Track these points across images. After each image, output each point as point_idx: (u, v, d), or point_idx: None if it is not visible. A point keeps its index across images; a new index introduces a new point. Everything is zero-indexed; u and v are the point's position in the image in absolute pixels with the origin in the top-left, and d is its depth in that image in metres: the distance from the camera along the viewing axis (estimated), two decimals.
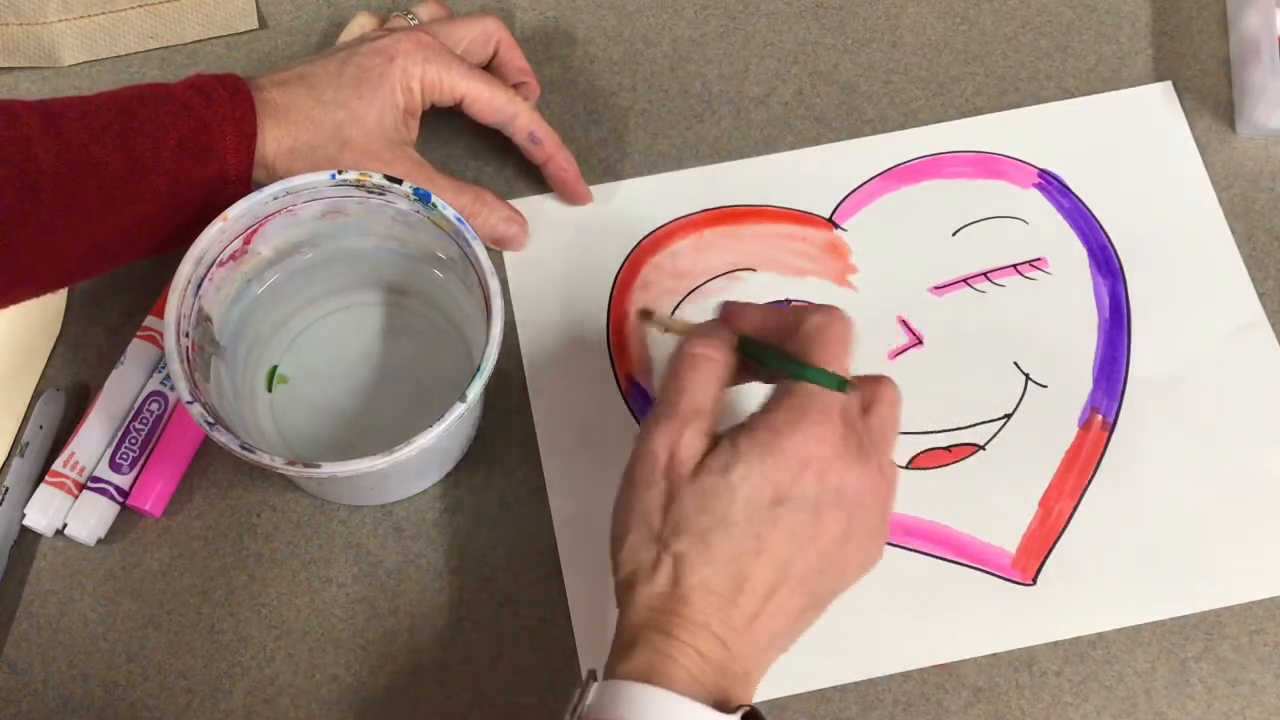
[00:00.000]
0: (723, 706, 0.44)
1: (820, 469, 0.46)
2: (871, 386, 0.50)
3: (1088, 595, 0.58)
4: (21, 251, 0.53)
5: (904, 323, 0.63)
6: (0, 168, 0.51)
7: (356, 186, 0.56)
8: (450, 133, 0.67)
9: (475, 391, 0.52)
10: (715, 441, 0.47)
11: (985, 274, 0.64)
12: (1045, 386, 0.62)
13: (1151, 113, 0.68)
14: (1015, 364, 0.63)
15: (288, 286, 0.60)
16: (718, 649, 0.45)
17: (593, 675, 0.46)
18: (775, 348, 0.49)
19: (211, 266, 0.55)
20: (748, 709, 0.45)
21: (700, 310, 0.63)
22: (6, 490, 0.59)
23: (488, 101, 0.62)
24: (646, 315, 0.59)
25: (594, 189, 0.66)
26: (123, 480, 0.59)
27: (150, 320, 0.62)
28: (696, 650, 0.45)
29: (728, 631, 0.45)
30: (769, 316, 0.51)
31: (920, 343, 0.63)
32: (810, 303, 0.49)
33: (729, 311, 0.52)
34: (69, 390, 0.62)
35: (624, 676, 0.45)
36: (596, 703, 0.45)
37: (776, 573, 0.46)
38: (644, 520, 0.47)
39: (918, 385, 0.62)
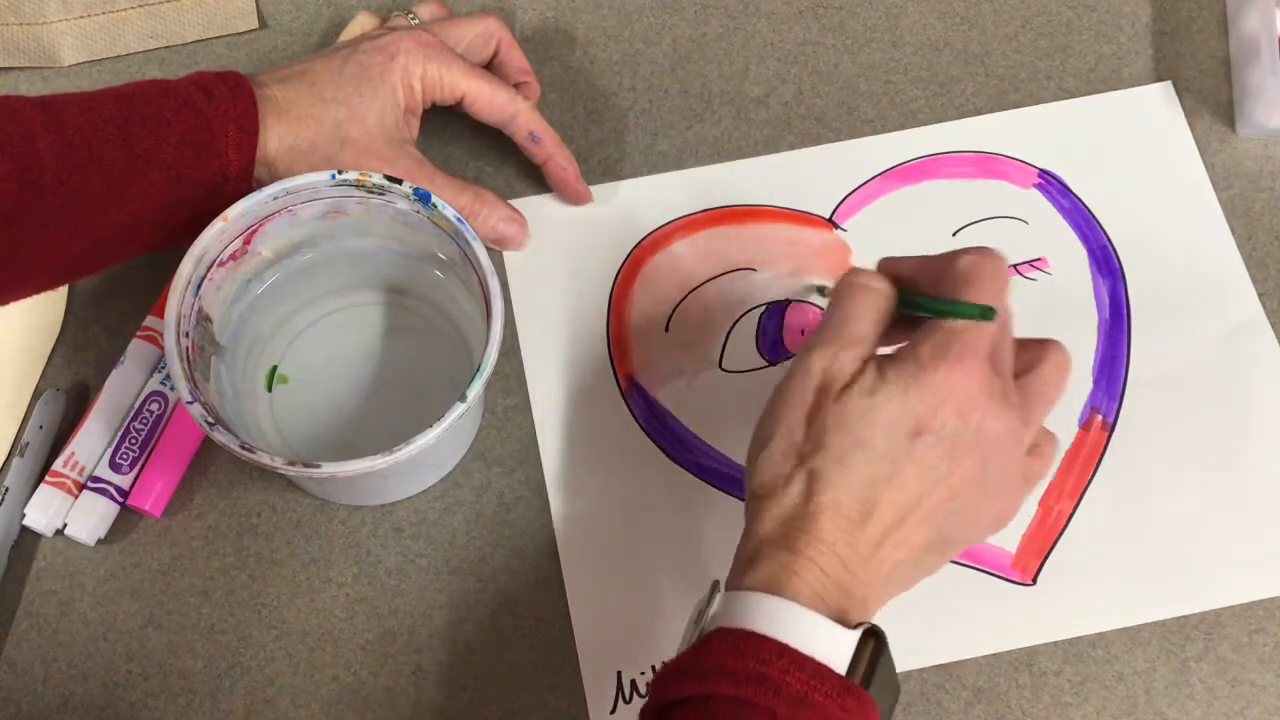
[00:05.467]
0: (843, 625, 0.44)
1: (961, 406, 0.46)
2: (1038, 349, 0.50)
3: (1088, 595, 0.58)
4: (24, 247, 0.53)
5: None
6: (3, 163, 0.51)
7: (356, 186, 0.56)
8: (450, 132, 0.67)
9: (475, 391, 0.52)
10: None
11: None
12: None
13: (1151, 113, 0.68)
14: None
15: (288, 286, 0.60)
16: (840, 570, 0.45)
17: (716, 586, 0.47)
18: (925, 292, 0.49)
19: (211, 266, 0.55)
20: (869, 625, 0.45)
21: (700, 309, 0.64)
22: (6, 490, 0.59)
23: (488, 100, 0.62)
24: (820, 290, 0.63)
25: (594, 189, 0.66)
26: (123, 480, 0.59)
27: (150, 320, 0.62)
28: (820, 568, 0.45)
29: (851, 554, 0.46)
30: (923, 265, 0.50)
31: None
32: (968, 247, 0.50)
33: (885, 264, 0.52)
34: (69, 390, 0.62)
35: (749, 588, 0.45)
36: (722, 612, 0.45)
37: (906, 504, 0.46)
38: (788, 433, 0.47)
39: None
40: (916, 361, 0.46)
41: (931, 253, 0.47)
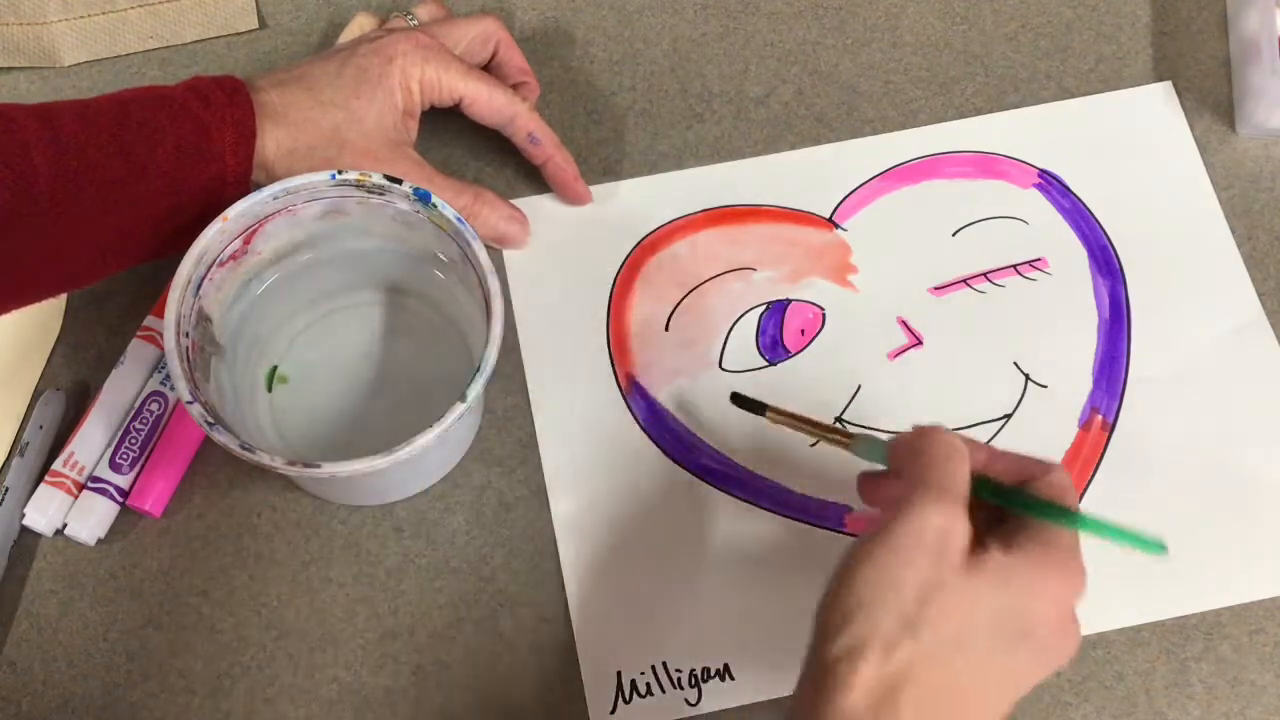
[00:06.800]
0: None
1: (1061, 612, 0.46)
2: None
3: (1088, 595, 0.58)
4: (21, 256, 0.53)
5: (904, 323, 0.63)
6: None
7: (356, 186, 0.56)
8: (450, 133, 0.67)
9: (475, 391, 0.52)
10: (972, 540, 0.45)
11: (985, 274, 0.64)
12: (1045, 386, 0.62)
13: (1151, 113, 0.68)
14: (1015, 364, 0.63)
15: (288, 286, 0.60)
16: None
17: None
18: (1029, 493, 0.48)
19: (211, 266, 0.55)
20: None
21: (700, 309, 0.64)
22: (6, 490, 0.59)
23: (486, 102, 0.62)
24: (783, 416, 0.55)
25: (594, 189, 0.66)
26: (123, 480, 0.59)
27: (150, 320, 0.62)
28: None
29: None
30: (994, 458, 0.49)
31: (920, 343, 0.63)
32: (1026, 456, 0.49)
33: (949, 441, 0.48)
34: (69, 390, 0.62)
35: None
36: None
37: (1001, 694, 0.45)
38: (897, 594, 0.44)
39: (918, 385, 0.62)
40: (1026, 556, 0.45)
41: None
